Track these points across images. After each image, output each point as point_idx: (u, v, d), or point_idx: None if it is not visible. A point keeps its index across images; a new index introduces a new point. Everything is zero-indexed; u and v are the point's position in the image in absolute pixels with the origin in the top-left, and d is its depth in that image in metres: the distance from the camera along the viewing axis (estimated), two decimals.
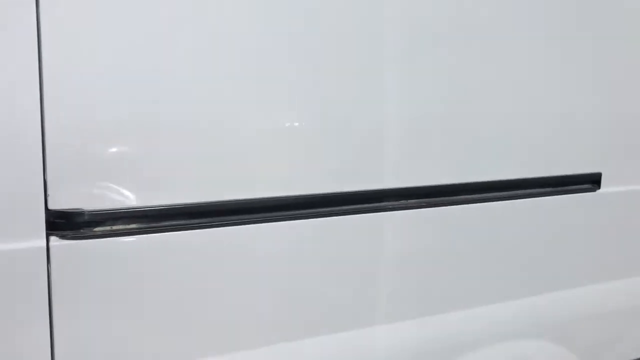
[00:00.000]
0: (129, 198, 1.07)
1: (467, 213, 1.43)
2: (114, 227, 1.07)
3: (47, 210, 1.01)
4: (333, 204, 1.26)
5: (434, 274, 1.41)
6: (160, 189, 1.10)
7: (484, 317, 1.49)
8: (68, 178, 1.02)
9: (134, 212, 1.08)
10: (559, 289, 1.61)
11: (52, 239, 1.02)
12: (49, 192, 1.01)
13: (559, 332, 1.62)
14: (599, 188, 1.63)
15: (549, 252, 1.59)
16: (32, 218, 1.00)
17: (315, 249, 1.26)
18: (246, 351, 1.20)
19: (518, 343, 1.56)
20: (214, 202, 1.14)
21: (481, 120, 1.42)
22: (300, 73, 1.20)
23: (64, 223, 1.02)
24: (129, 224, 1.08)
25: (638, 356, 1.80)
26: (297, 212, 1.22)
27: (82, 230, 1.04)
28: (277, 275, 1.22)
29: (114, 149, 1.05)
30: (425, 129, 1.34)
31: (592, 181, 1.62)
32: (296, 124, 1.21)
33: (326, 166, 1.25)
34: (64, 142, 1.01)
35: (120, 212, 1.07)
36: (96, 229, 1.05)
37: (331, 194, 1.25)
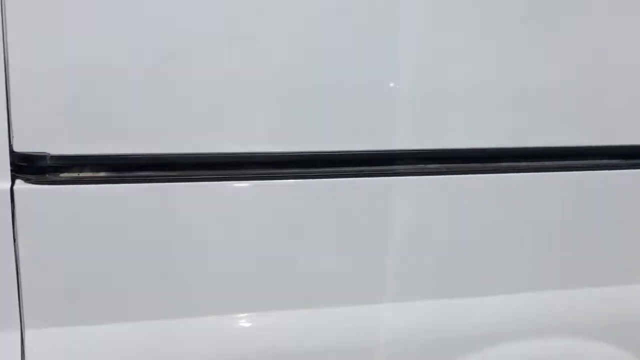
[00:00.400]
0: (99, 144, 1.02)
1: (510, 182, 1.24)
2: (82, 174, 1.03)
3: (12, 152, 0.99)
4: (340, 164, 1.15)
5: (462, 253, 1.25)
6: (134, 137, 1.04)
7: (510, 307, 1.29)
8: (35, 120, 0.99)
9: (104, 160, 1.03)
10: (620, 283, 1.36)
11: (17, 182, 1.00)
12: (13, 133, 0.99)
13: (621, 334, 1.37)
14: None
15: (607, 236, 1.33)
16: None
17: (316, 212, 1.15)
18: (212, 316, 1.12)
19: (569, 341, 1.34)
20: (191, 154, 1.06)
21: (529, 76, 1.21)
22: (312, 23, 1.08)
23: (28, 166, 1.00)
24: (97, 172, 1.04)
25: None
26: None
27: (47, 175, 1.01)
28: (259, 238, 1.13)
29: (83, 92, 1.00)
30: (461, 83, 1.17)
31: None
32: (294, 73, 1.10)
33: (333, 123, 1.13)
34: (30, 81, 0.97)
35: (88, 158, 1.02)
36: (62, 174, 1.02)
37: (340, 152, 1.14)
